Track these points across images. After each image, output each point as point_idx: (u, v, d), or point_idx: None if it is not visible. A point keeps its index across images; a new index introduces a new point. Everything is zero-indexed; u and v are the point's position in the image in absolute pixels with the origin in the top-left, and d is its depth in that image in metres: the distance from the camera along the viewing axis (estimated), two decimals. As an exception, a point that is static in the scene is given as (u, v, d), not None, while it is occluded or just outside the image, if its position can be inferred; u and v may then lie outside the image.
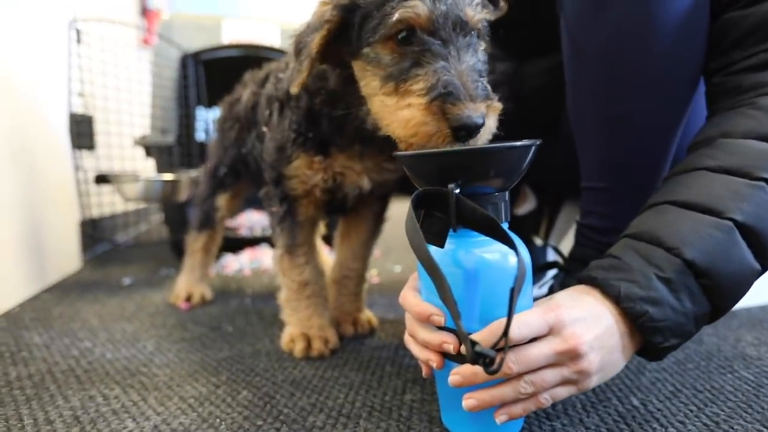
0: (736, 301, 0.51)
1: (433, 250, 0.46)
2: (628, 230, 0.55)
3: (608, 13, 0.59)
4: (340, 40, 0.57)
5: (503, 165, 0.46)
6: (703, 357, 0.73)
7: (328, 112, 0.69)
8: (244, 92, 0.97)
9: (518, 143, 0.45)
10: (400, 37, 0.52)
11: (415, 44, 0.51)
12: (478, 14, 0.54)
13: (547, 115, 0.96)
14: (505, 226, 0.48)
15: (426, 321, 0.49)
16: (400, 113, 0.51)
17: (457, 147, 0.46)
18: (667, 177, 0.57)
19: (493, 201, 0.47)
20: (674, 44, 0.58)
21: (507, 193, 0.49)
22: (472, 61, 0.52)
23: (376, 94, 0.55)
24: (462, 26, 0.52)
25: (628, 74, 0.61)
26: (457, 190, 0.44)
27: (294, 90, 0.60)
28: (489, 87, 0.52)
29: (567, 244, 1.06)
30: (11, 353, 0.79)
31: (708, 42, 0.60)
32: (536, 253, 1.09)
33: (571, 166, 0.76)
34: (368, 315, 0.90)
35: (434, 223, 0.47)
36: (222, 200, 1.08)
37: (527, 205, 1.09)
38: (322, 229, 1.31)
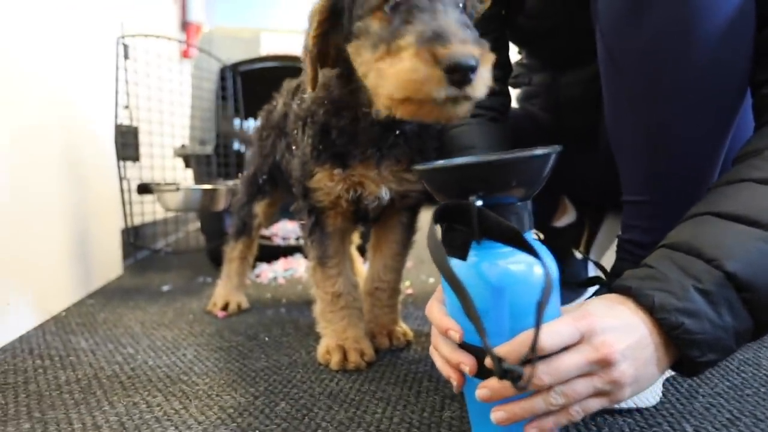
0: None
1: (456, 263, 0.46)
2: (666, 240, 0.52)
3: (645, 21, 0.58)
4: (334, 33, 0.58)
5: (524, 174, 0.45)
6: (762, 382, 0.69)
7: (336, 123, 0.71)
8: (280, 101, 1.00)
9: (538, 151, 0.44)
10: (387, 5, 0.52)
11: (402, 5, 0.52)
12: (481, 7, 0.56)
13: (584, 125, 0.94)
14: (529, 235, 0.47)
15: (445, 335, 0.48)
16: (389, 70, 0.50)
17: (479, 158, 0.45)
18: (710, 188, 0.55)
19: (515, 211, 0.46)
20: (717, 52, 0.56)
21: (529, 202, 0.48)
22: (457, 15, 0.51)
23: (371, 66, 0.54)
24: None
25: (668, 84, 0.59)
26: (479, 202, 0.44)
27: (309, 90, 0.61)
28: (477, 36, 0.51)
29: (609, 258, 1.03)
30: (60, 357, 0.82)
31: (756, 51, 0.57)
32: (576, 267, 1.06)
33: (611, 177, 0.74)
34: (404, 328, 0.89)
35: (456, 236, 0.47)
36: (259, 208, 1.10)
37: (567, 218, 1.07)
38: (356, 239, 1.32)
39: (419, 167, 0.49)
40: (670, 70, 0.58)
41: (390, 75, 0.50)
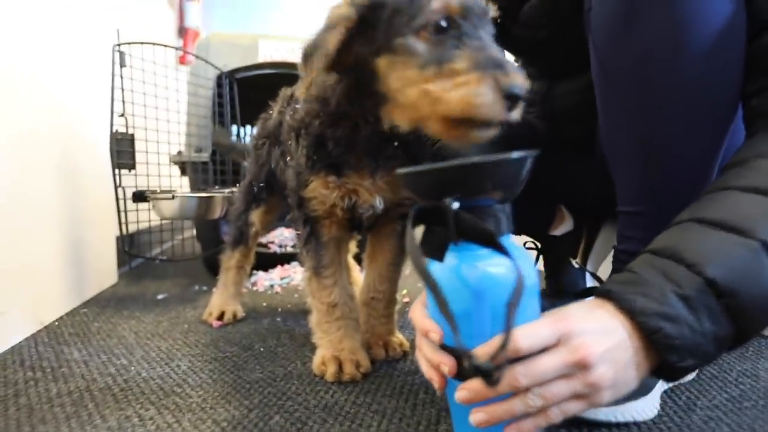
0: (763, 325, 0.48)
1: (436, 265, 0.47)
2: (649, 246, 0.53)
3: (636, 34, 0.59)
4: (357, 39, 0.57)
5: (500, 177, 0.46)
6: (761, 394, 0.68)
7: (333, 134, 0.71)
8: (275, 109, 1.00)
9: (514, 155, 0.45)
10: (435, 25, 0.53)
11: (450, 30, 0.53)
12: (491, 8, 0.58)
13: (580, 134, 0.94)
14: (507, 237, 0.48)
15: (425, 337, 0.49)
16: (453, 93, 0.51)
17: (455, 161, 0.46)
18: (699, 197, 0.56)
19: (493, 213, 0.47)
20: (708, 64, 0.56)
21: (508, 205, 0.48)
22: (497, 44, 0.54)
23: (412, 83, 0.55)
24: (484, 15, 0.56)
25: (660, 97, 0.60)
26: (456, 204, 0.44)
27: (301, 94, 0.60)
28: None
29: (607, 267, 1.02)
30: (52, 369, 0.80)
31: (745, 64, 0.58)
32: (574, 276, 1.06)
33: (608, 186, 0.74)
34: (400, 338, 0.88)
35: (434, 238, 0.48)
36: (255, 216, 1.09)
37: (564, 226, 1.06)
38: (353, 248, 1.31)
39: (401, 171, 0.49)
40: (661, 82, 0.59)
41: (450, 98, 0.51)
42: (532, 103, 1.06)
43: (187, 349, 0.91)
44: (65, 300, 1.15)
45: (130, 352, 0.89)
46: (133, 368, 0.81)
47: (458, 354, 0.46)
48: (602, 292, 0.50)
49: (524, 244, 1.09)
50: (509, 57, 0.57)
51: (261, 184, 1.06)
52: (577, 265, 1.08)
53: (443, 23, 0.53)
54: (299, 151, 0.76)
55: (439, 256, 0.47)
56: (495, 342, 0.44)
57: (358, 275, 1.29)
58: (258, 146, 1.06)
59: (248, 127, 2.06)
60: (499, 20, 0.89)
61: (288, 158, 0.81)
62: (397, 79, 0.57)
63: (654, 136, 0.62)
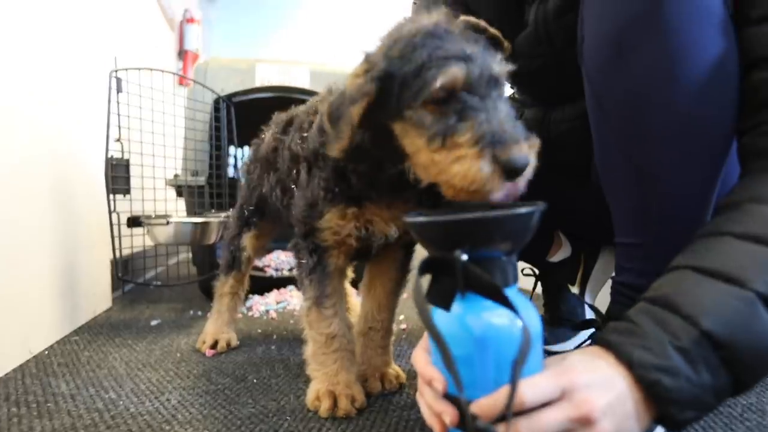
0: (762, 375, 0.48)
1: (441, 314, 0.48)
2: (647, 293, 0.53)
3: (629, 68, 0.59)
4: (375, 107, 0.59)
5: (509, 231, 0.47)
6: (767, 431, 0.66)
7: (355, 168, 0.70)
8: (267, 134, 0.99)
9: (523, 210, 0.46)
10: (440, 99, 0.54)
11: (455, 102, 0.54)
12: (503, 69, 0.57)
13: (577, 160, 0.94)
14: (513, 288, 0.49)
15: (428, 386, 0.49)
16: (454, 166, 0.53)
17: (465, 214, 0.47)
18: (692, 239, 0.56)
19: (500, 265, 0.48)
20: (700, 98, 0.57)
21: (515, 255, 0.50)
22: (506, 109, 0.55)
23: (421, 151, 0.57)
24: (493, 81, 0.56)
25: (655, 128, 0.60)
26: (465, 256, 0.45)
27: (334, 154, 0.61)
28: (524, 128, 0.53)
29: (605, 293, 1.01)
30: (38, 404, 0.78)
31: (739, 100, 0.58)
32: (572, 303, 1.05)
33: (605, 212, 0.74)
34: (396, 370, 0.86)
35: (441, 287, 0.48)
36: (247, 240, 1.09)
37: (562, 253, 1.05)
38: (350, 273, 1.30)
39: (409, 219, 0.50)
40: (656, 114, 0.59)
41: (453, 171, 0.53)
42: (528, 129, 1.06)
43: (179, 380, 0.89)
44: (57, 327, 1.13)
45: (120, 385, 0.86)
46: (121, 402, 0.79)
47: (460, 405, 0.46)
48: (602, 342, 0.51)
49: (522, 271, 1.08)
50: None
51: (251, 208, 1.05)
52: (576, 292, 1.07)
53: (448, 97, 0.54)
54: (313, 181, 0.74)
55: (446, 305, 0.47)
56: (499, 396, 0.44)
57: (355, 302, 1.27)
58: (250, 170, 1.06)
59: (246, 148, 2.07)
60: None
61: (291, 185, 0.80)
62: (409, 145, 0.59)
63: (649, 168, 0.61)
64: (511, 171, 0.50)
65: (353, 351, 0.81)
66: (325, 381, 0.77)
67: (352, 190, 0.71)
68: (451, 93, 0.54)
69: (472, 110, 0.53)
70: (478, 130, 0.51)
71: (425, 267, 0.48)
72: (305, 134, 0.77)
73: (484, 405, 0.44)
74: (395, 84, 0.57)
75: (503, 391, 0.44)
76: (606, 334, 0.51)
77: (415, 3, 0.95)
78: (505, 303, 0.45)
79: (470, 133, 0.52)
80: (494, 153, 0.50)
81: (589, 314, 1.03)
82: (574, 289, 1.08)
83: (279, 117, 0.99)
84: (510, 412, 0.41)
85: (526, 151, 0.51)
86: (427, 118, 0.55)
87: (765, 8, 0.54)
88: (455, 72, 0.53)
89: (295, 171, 0.79)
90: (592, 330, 0.73)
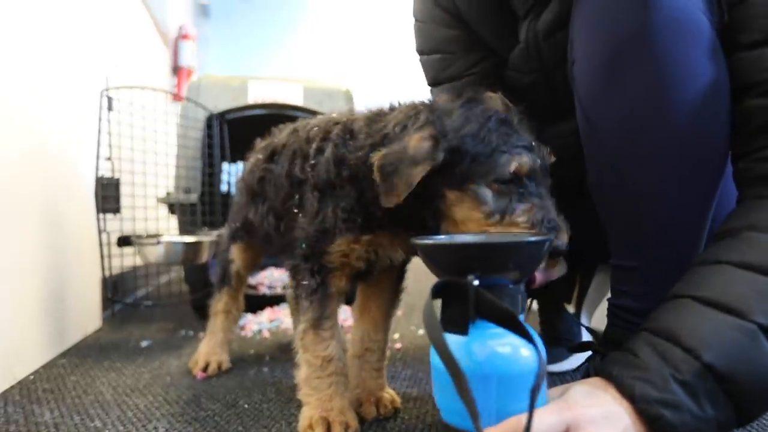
0: (766, 407, 0.49)
1: (449, 339, 0.47)
2: (647, 323, 0.54)
3: (620, 92, 0.60)
4: (432, 173, 0.61)
5: (521, 258, 0.48)
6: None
7: (373, 196, 0.69)
8: (250, 161, 0.98)
9: (536, 238, 0.49)
10: (506, 181, 0.60)
11: (515, 185, 0.60)
12: (551, 161, 0.64)
13: (570, 176, 0.93)
14: (522, 318, 0.50)
15: None
16: None
17: (479, 238, 0.50)
18: (690, 265, 0.56)
19: (509, 293, 0.49)
20: (693, 121, 0.58)
21: (522, 285, 0.51)
22: (552, 201, 0.61)
23: (474, 221, 0.61)
24: (545, 170, 0.63)
25: (646, 150, 0.60)
26: (476, 282, 0.46)
27: (389, 205, 0.63)
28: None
29: (601, 313, 1.00)
30: (20, 434, 0.76)
31: (732, 125, 0.59)
32: (568, 323, 1.03)
33: (600, 230, 0.73)
34: (391, 394, 0.84)
35: (454, 313, 0.49)
36: (234, 251, 1.08)
37: (557, 270, 1.04)
38: None
39: (419, 241, 0.52)
40: (647, 138, 0.59)
41: None
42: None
43: (167, 407, 0.86)
44: (44, 350, 1.11)
45: (106, 412, 0.84)
46: (107, 431, 0.77)
47: None
48: (604, 373, 0.51)
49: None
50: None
51: (237, 224, 1.04)
52: (572, 310, 1.05)
53: (513, 180, 0.60)
54: (326, 209, 0.74)
55: (462, 331, 0.48)
56: (509, 427, 0.44)
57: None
58: (239, 189, 1.06)
59: (239, 163, 2.07)
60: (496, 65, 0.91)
61: (294, 210, 0.79)
62: (460, 213, 0.62)
63: (643, 190, 0.61)
64: (555, 253, 0.57)
65: (347, 375, 0.79)
66: (318, 407, 0.75)
67: (377, 220, 0.71)
68: (517, 177, 0.60)
69: (530, 195, 0.59)
70: (537, 215, 0.58)
71: (438, 291, 0.48)
72: (312, 162, 0.77)
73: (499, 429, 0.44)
74: (465, 159, 0.60)
75: (513, 421, 0.44)
76: (607, 365, 0.51)
77: (417, 22, 0.95)
78: (520, 330, 0.45)
79: (528, 215, 0.58)
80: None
81: (586, 335, 1.02)
82: (571, 308, 1.07)
83: (260, 144, 0.98)
84: None
85: (566, 237, 0.58)
86: (489, 196, 0.60)
87: (756, 33, 0.55)
88: (526, 160, 0.59)
89: (297, 197, 0.78)
90: (588, 353, 0.72)
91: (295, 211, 0.79)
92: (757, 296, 0.48)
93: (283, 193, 0.82)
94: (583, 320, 1.03)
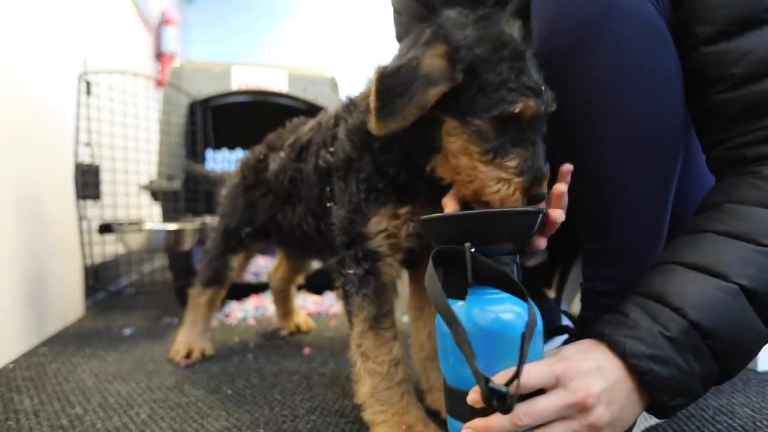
0: (745, 364, 0.52)
1: (453, 305, 0.49)
2: (637, 287, 0.56)
3: (576, 80, 0.60)
4: (442, 96, 0.57)
5: (514, 228, 0.50)
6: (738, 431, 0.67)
7: (389, 158, 0.66)
8: (271, 157, 0.95)
9: (529, 208, 0.50)
10: (506, 119, 0.56)
11: (516, 127, 0.57)
12: (553, 109, 0.60)
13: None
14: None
15: None
16: (496, 184, 0.57)
17: (471, 211, 0.51)
18: (676, 236, 0.59)
19: (505, 262, 0.51)
20: (650, 111, 0.59)
21: (517, 256, 0.52)
22: (544, 148, 0.60)
23: (468, 155, 0.58)
24: (545, 117, 0.59)
25: (603, 136, 0.61)
26: (473, 249, 0.48)
27: (383, 132, 0.58)
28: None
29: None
30: (-1, 421, 0.75)
31: (698, 118, 0.61)
32: (549, 307, 1.05)
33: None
34: None
35: (454, 279, 0.51)
36: (237, 260, 1.07)
37: (538, 257, 1.05)
38: (300, 278, 1.30)
39: (423, 218, 0.54)
40: (604, 123, 0.60)
41: (491, 184, 0.57)
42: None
43: (150, 393, 0.86)
44: (23, 339, 1.10)
45: (87, 399, 0.84)
46: (87, 418, 0.76)
47: (463, 396, 0.48)
48: (595, 333, 0.53)
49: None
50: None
51: (248, 230, 1.01)
52: (553, 296, 1.07)
53: (513, 120, 0.56)
54: (351, 187, 0.69)
55: (460, 296, 0.51)
56: (504, 373, 0.46)
57: (304, 315, 1.27)
58: (248, 192, 1.01)
59: (224, 150, 2.05)
60: None
61: (328, 204, 0.75)
62: (456, 145, 0.59)
63: (602, 175, 0.62)
64: (533, 199, 0.57)
65: (413, 383, 0.70)
66: (395, 424, 0.64)
67: (398, 180, 0.66)
68: (518, 119, 0.57)
69: (525, 140, 0.57)
70: (527, 162, 0.57)
71: (438, 258, 0.50)
72: (331, 149, 0.74)
73: (494, 379, 0.46)
74: (473, 86, 0.56)
75: (508, 369, 0.46)
76: (598, 326, 0.54)
77: (395, 12, 0.95)
78: (515, 289, 0.47)
79: (519, 161, 0.56)
80: (531, 187, 0.56)
81: (566, 321, 1.04)
82: (551, 294, 1.09)
83: (278, 140, 0.95)
84: (519, 386, 0.43)
85: (545, 187, 0.58)
86: (489, 131, 0.57)
87: (710, 27, 0.56)
88: (532, 105, 0.55)
89: (328, 188, 0.75)
90: (566, 336, 0.73)
91: (329, 205, 0.74)
92: (739, 261, 0.51)
93: (316, 190, 0.78)
94: (564, 306, 1.05)
